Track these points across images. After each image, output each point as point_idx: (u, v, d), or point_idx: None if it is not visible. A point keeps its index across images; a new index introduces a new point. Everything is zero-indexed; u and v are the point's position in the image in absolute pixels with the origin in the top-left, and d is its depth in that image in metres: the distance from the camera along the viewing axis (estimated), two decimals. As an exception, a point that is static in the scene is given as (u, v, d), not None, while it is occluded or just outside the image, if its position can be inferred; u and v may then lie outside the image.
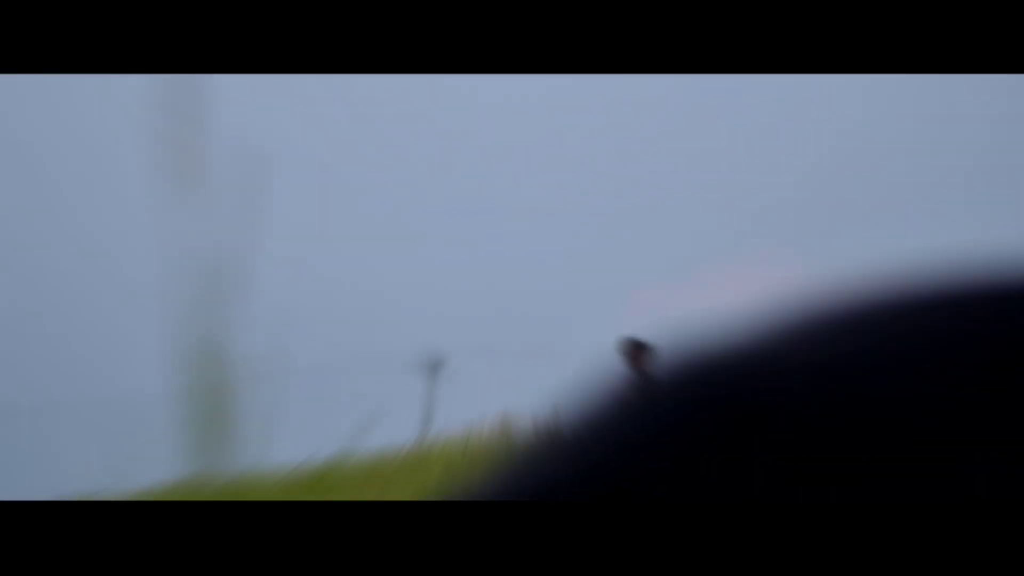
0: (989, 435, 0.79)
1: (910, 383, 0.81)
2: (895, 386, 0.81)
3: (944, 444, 0.78)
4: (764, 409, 0.82)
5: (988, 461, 0.78)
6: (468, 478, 0.91)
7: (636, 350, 20.09)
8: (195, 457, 2.72)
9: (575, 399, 0.98)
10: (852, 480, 0.78)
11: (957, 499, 0.77)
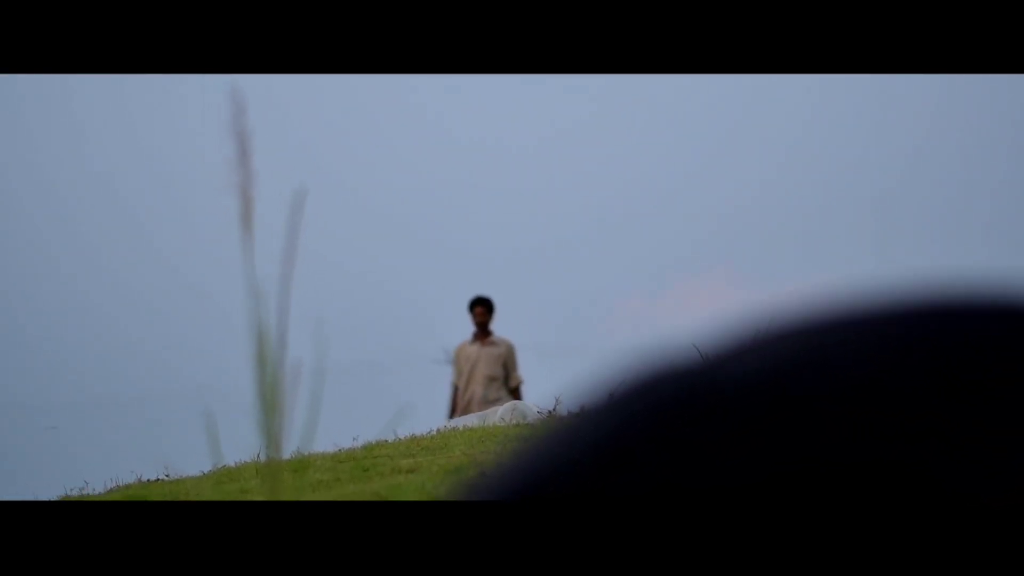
0: (933, 431, 0.78)
1: (863, 384, 0.80)
2: (847, 386, 0.80)
3: (894, 439, 0.77)
4: (724, 408, 0.81)
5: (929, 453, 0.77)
6: (481, 461, 0.89)
7: (478, 306, 17.20)
8: (257, 442, 2.73)
9: (577, 395, 0.94)
10: (805, 473, 0.78)
11: (909, 492, 0.77)
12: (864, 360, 0.81)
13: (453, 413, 17.34)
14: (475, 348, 17.16)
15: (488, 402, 17.12)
